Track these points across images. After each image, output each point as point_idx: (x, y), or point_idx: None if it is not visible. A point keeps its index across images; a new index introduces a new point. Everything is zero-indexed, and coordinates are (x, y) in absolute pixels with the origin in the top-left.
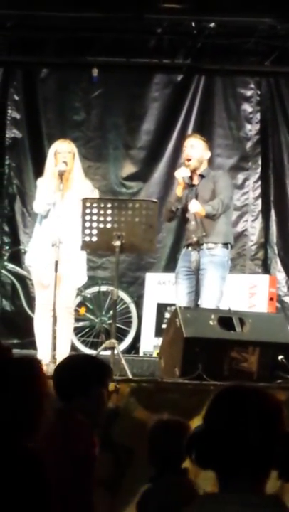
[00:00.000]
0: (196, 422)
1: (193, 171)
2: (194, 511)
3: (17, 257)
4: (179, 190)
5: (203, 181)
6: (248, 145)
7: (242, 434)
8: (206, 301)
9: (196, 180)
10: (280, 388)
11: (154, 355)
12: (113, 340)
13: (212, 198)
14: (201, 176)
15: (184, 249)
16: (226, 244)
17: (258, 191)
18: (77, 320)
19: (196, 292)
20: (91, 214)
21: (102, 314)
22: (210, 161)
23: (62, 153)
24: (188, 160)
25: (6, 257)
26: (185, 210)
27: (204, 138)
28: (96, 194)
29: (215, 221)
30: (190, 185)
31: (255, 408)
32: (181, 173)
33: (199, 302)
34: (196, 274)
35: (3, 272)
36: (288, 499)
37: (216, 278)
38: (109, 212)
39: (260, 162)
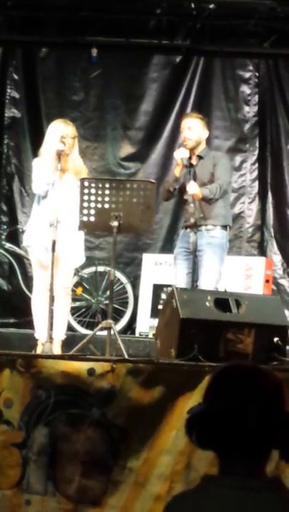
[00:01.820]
0: (190, 403)
1: (191, 151)
2: (195, 494)
3: (15, 237)
4: (177, 171)
5: (202, 162)
6: (246, 127)
7: (242, 413)
8: (205, 283)
9: (194, 161)
10: (276, 370)
11: (150, 335)
12: (109, 321)
13: (210, 180)
14: (199, 157)
15: (182, 230)
16: (224, 227)
17: (255, 173)
18: (73, 300)
19: (194, 273)
20: (89, 194)
21: (98, 294)
22: (208, 143)
23: (67, 137)
24: (186, 142)
25: (3, 237)
26: (183, 191)
27: (201, 116)
28: None
29: (213, 203)
30: (188, 166)
31: (256, 387)
32: (180, 154)
33: (198, 283)
34: (193, 255)
35: (1, 251)
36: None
37: (215, 259)
38: (107, 192)
39: (257, 144)
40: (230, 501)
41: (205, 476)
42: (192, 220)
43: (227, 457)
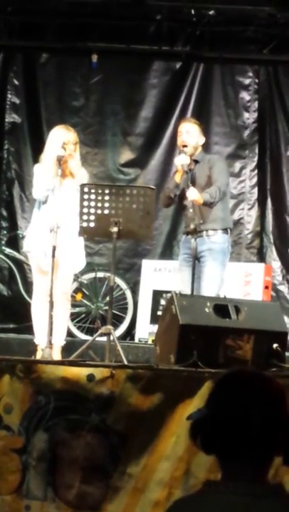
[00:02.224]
0: (190, 409)
1: (189, 157)
2: (197, 499)
3: (15, 242)
4: (177, 177)
5: (198, 166)
6: (246, 133)
7: (245, 419)
8: (207, 289)
9: (191, 166)
10: (275, 376)
11: (150, 341)
12: (109, 327)
13: (208, 184)
14: (196, 161)
15: (183, 236)
16: (225, 230)
17: (255, 180)
18: (73, 306)
19: (193, 279)
20: (89, 200)
21: (98, 300)
22: (207, 149)
23: (69, 144)
24: (184, 146)
25: (3, 242)
26: (182, 197)
27: (198, 122)
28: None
29: (212, 208)
30: (188, 172)
31: (258, 392)
32: (181, 160)
33: (200, 289)
34: (193, 261)
35: (1, 256)
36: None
37: (216, 265)
38: (106, 198)
39: (257, 150)
40: (233, 507)
41: (207, 481)
42: (192, 226)
43: (230, 463)
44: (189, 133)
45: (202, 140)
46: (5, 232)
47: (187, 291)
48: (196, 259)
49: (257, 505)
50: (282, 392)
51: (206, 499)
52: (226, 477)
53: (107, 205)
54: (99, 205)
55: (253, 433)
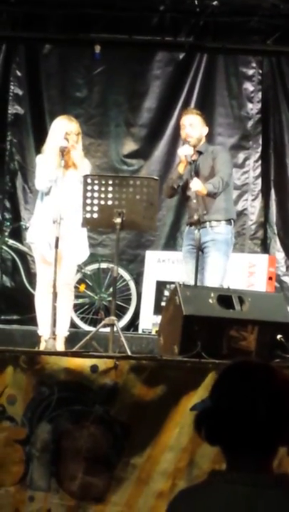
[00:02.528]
0: (193, 400)
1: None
2: (202, 489)
3: (18, 233)
4: (181, 168)
5: (202, 157)
6: (249, 124)
7: (250, 409)
8: (210, 280)
9: (194, 156)
10: (279, 367)
11: (153, 332)
12: (112, 317)
13: (211, 174)
14: (199, 152)
15: (187, 227)
16: (228, 221)
17: (259, 170)
18: (76, 297)
19: (197, 270)
20: (92, 191)
21: (101, 291)
22: (211, 140)
23: (71, 134)
24: (189, 139)
25: (6, 233)
26: (186, 187)
27: (200, 112)
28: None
29: (215, 198)
30: (192, 163)
31: (263, 383)
32: (184, 151)
33: (203, 280)
34: (197, 252)
35: (4, 247)
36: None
37: (220, 256)
38: (110, 189)
39: (260, 141)
40: (239, 497)
41: (212, 471)
42: (195, 217)
43: (235, 453)
44: (192, 125)
45: (205, 130)
46: (8, 223)
47: (191, 282)
48: (199, 250)
49: (261, 495)
50: (286, 382)
51: (211, 489)
52: (231, 467)
53: (110, 196)
54: (102, 196)
55: (257, 424)
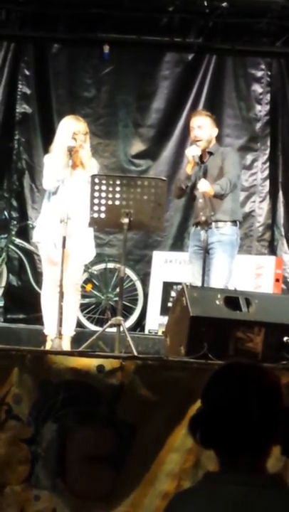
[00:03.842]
0: (199, 401)
1: (202, 150)
2: (198, 491)
3: (25, 232)
4: (188, 168)
5: (212, 158)
6: (258, 126)
7: (242, 410)
8: (215, 280)
9: (204, 157)
10: (285, 369)
11: (160, 333)
12: (119, 317)
13: (220, 175)
14: (210, 153)
15: (193, 227)
16: (234, 222)
17: (266, 172)
18: (83, 296)
19: (204, 271)
20: (100, 191)
21: (108, 291)
22: (219, 141)
23: (79, 134)
24: (198, 141)
25: (13, 232)
26: (193, 188)
27: (210, 113)
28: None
29: (222, 200)
30: (199, 163)
31: (254, 384)
32: (192, 152)
33: (209, 281)
34: (204, 253)
35: (11, 246)
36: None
37: (225, 257)
38: (117, 189)
39: (269, 143)
40: (234, 497)
41: (207, 472)
42: (203, 218)
43: (229, 454)
44: (201, 127)
45: (215, 132)
46: (15, 222)
47: (197, 283)
48: (206, 251)
49: (256, 495)
50: (278, 382)
51: (204, 491)
52: (225, 468)
53: (118, 196)
54: (110, 196)
55: (250, 425)
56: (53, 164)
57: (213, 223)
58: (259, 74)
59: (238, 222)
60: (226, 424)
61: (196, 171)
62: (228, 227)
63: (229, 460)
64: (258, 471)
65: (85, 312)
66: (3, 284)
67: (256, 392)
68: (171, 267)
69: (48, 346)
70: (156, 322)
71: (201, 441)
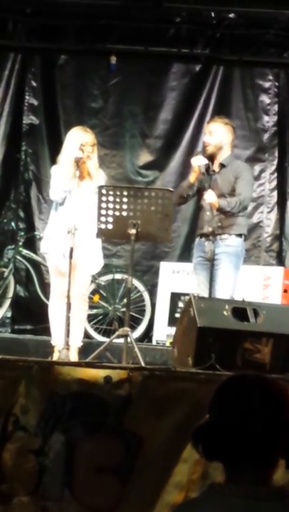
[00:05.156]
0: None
1: (213, 158)
2: (201, 502)
3: (32, 243)
4: (192, 177)
5: (224, 171)
6: (265, 136)
7: (247, 423)
8: (221, 292)
9: (216, 167)
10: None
11: (167, 344)
12: (126, 328)
13: (230, 192)
14: (222, 165)
15: (197, 239)
16: (239, 235)
17: (274, 183)
18: (90, 307)
19: (211, 282)
20: (107, 202)
21: (115, 302)
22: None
23: (86, 145)
24: (206, 147)
25: (21, 243)
26: (200, 198)
27: (227, 120)
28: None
29: (226, 216)
30: (208, 173)
31: (260, 396)
32: (198, 161)
33: (214, 292)
34: (211, 264)
35: (18, 257)
36: None
37: (230, 268)
38: (125, 200)
39: (276, 154)
40: (236, 509)
41: (211, 484)
42: (209, 229)
43: (233, 466)
44: (212, 133)
45: (228, 139)
46: (22, 233)
47: (203, 294)
48: (211, 262)
49: (259, 508)
50: (284, 394)
51: (208, 502)
52: (229, 480)
53: (125, 207)
54: (117, 206)
55: (255, 437)
56: (61, 175)
57: (218, 236)
58: (266, 85)
59: (243, 236)
60: (231, 437)
61: (203, 180)
62: (233, 239)
63: (234, 472)
64: (262, 484)
65: (92, 323)
66: (11, 295)
67: (261, 405)
68: (178, 277)
69: (55, 357)
70: (163, 333)
71: (204, 453)
